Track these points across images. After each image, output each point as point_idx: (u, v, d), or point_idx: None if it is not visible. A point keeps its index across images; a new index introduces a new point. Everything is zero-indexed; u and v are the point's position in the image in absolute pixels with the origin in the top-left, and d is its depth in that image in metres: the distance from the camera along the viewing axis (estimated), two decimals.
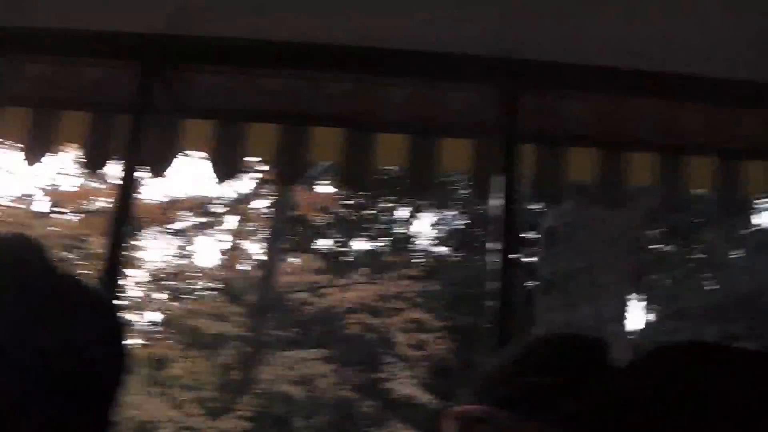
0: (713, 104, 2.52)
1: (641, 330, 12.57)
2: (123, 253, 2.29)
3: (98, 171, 2.65)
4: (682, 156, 2.61)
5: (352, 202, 14.53)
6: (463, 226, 15.00)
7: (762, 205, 9.68)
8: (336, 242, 15.63)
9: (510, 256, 2.38)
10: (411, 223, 15.72)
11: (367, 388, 13.02)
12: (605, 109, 2.53)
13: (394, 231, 15.59)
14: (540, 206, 8.19)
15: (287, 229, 14.40)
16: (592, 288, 6.13)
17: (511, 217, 2.40)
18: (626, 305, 6.42)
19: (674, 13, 2.22)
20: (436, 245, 15.68)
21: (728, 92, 2.46)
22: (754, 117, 2.56)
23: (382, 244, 15.54)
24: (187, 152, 2.62)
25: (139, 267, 12.49)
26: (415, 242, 15.87)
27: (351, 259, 15.43)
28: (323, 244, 15.46)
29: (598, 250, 6.17)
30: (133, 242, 10.09)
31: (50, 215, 11.82)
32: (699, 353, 0.80)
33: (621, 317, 6.24)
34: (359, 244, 15.82)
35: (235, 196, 13.86)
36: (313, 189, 12.79)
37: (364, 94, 2.52)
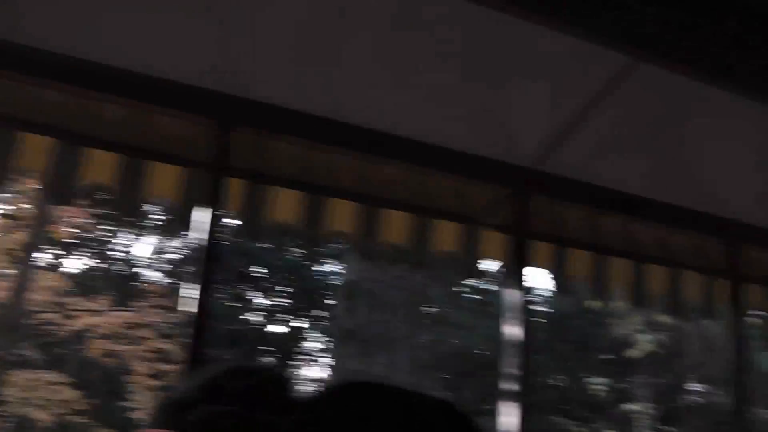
0: (411, 163, 2.73)
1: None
2: None
3: None
4: (379, 209, 2.84)
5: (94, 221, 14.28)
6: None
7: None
8: (84, 264, 15.25)
9: (211, 285, 2.45)
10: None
11: (106, 415, 12.69)
12: (312, 156, 2.67)
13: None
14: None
15: (38, 247, 13.81)
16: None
17: (214, 249, 2.47)
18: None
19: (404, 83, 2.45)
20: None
21: (428, 155, 2.70)
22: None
23: (122, 267, 15.35)
24: None
25: None
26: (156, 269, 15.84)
27: (100, 282, 15.07)
28: (73, 264, 14.99)
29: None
30: None
31: None
32: (361, 391, 0.85)
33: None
34: (105, 267, 15.53)
35: None
36: (67, 207, 12.38)
37: (76, 104, 2.51)
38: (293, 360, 18.21)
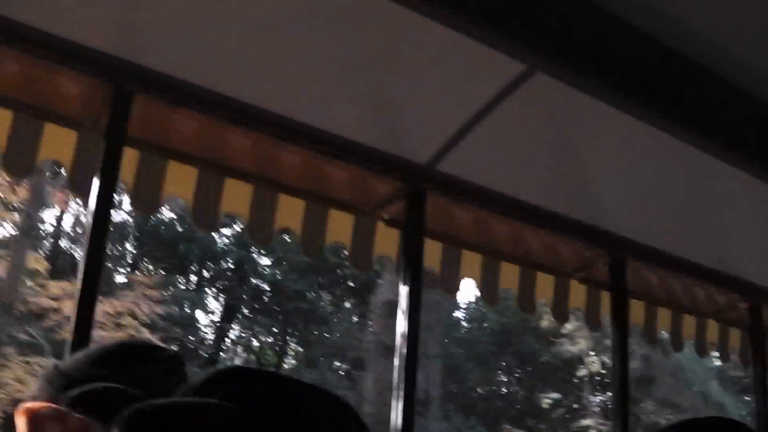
0: (309, 149, 2.76)
1: None
2: None
3: None
4: (275, 192, 2.86)
5: None
6: None
7: None
8: None
9: (96, 256, 2.41)
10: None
11: None
12: (209, 133, 2.67)
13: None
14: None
15: None
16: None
17: (104, 220, 2.43)
18: None
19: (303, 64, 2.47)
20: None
21: (324, 143, 2.73)
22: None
23: None
24: None
25: None
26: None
27: None
28: None
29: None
30: None
31: None
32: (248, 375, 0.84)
33: None
34: None
35: None
36: None
37: None
38: None
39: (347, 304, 24.95)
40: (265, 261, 23.58)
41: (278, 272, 22.88)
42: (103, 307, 13.83)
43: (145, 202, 2.74)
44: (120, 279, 20.16)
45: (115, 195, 2.46)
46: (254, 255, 23.13)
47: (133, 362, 1.24)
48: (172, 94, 2.53)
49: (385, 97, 2.65)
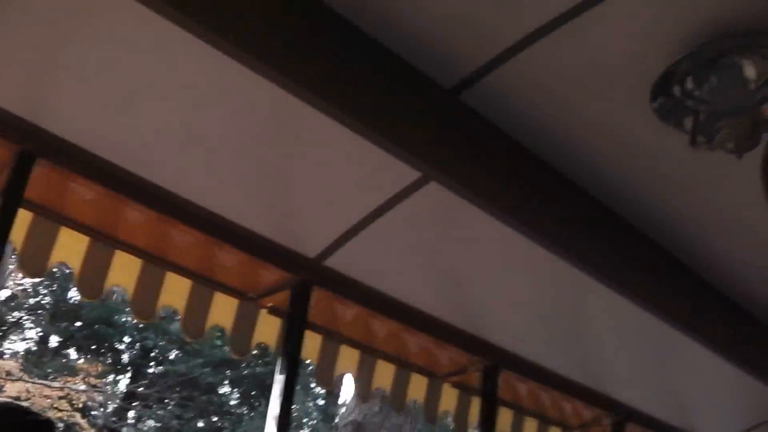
0: (200, 231, 2.82)
1: None
2: None
3: None
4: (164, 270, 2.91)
5: None
6: None
7: None
8: None
9: None
10: None
11: None
12: (104, 203, 2.71)
13: None
14: None
15: None
16: None
17: None
18: None
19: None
20: None
21: (216, 226, 2.80)
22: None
23: None
24: None
25: None
26: None
27: None
28: None
29: None
30: None
31: None
32: None
33: None
34: None
35: None
36: None
37: None
38: None
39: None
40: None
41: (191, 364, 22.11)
42: None
43: (33, 265, 2.73)
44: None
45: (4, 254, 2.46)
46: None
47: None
48: (73, 162, 2.57)
49: (282, 190, 2.75)
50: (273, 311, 3.13)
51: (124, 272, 2.86)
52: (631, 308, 3.26)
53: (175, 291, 3.00)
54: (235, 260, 2.96)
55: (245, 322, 3.13)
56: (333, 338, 3.32)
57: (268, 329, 3.19)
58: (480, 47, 2.44)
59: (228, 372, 22.63)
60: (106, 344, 21.99)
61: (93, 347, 21.55)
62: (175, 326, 18.39)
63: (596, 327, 3.59)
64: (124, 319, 20.59)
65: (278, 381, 2.98)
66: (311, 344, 3.27)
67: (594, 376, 4.09)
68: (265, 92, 2.23)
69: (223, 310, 3.10)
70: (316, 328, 3.24)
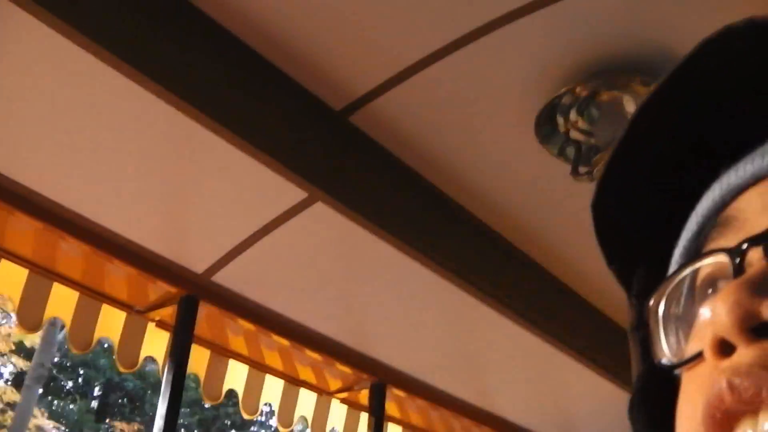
0: (87, 243, 2.82)
1: None
2: None
3: None
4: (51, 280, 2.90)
5: None
6: None
7: None
8: None
9: None
10: None
11: None
12: None
13: None
14: None
15: None
16: None
17: None
18: None
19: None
20: None
21: (104, 239, 2.81)
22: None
23: None
24: None
25: None
26: None
27: None
28: None
29: None
30: None
31: None
32: None
33: None
34: None
35: None
36: None
37: None
38: None
39: None
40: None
41: None
42: None
43: None
44: None
45: None
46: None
47: None
48: None
49: (170, 204, 2.77)
50: (161, 325, 3.15)
51: (9, 282, 2.84)
52: (515, 330, 3.38)
53: (62, 302, 2.99)
54: (124, 273, 2.97)
55: (132, 336, 3.13)
56: (221, 353, 3.35)
57: (156, 343, 3.20)
58: (371, 71, 2.52)
59: None
60: None
61: None
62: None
63: (482, 347, 3.69)
64: None
65: (164, 395, 2.99)
66: (199, 359, 3.30)
67: (483, 396, 4.20)
68: (157, 109, 2.26)
69: (110, 323, 3.10)
70: (204, 343, 3.27)
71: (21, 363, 17.91)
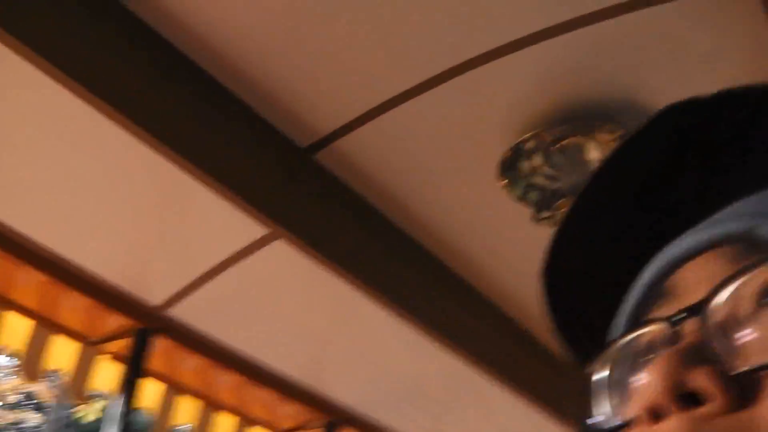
0: (42, 271, 2.77)
1: None
2: None
3: None
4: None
5: None
6: None
7: None
8: None
9: None
10: None
11: None
12: None
13: None
14: None
15: None
16: None
17: None
18: None
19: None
20: None
21: (60, 269, 2.76)
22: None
23: None
24: None
25: None
26: None
27: None
28: None
29: None
30: None
31: None
32: None
33: None
34: None
35: None
36: None
37: None
38: None
39: None
40: None
41: None
42: None
43: None
44: None
45: None
46: None
47: None
48: None
49: (128, 236, 2.74)
50: (115, 357, 3.09)
51: None
52: (471, 373, 3.38)
53: (15, 333, 2.93)
54: (78, 304, 2.92)
55: (84, 368, 3.07)
56: (174, 388, 3.30)
57: (108, 376, 3.15)
58: (337, 110, 2.53)
59: None
60: None
61: None
62: None
63: (436, 388, 3.69)
64: None
65: (115, 429, 2.94)
66: (152, 393, 3.24)
67: None
68: (118, 138, 2.24)
69: (63, 354, 3.04)
70: (157, 377, 3.22)
71: None
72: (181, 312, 2.99)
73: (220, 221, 2.64)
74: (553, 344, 3.53)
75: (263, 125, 2.54)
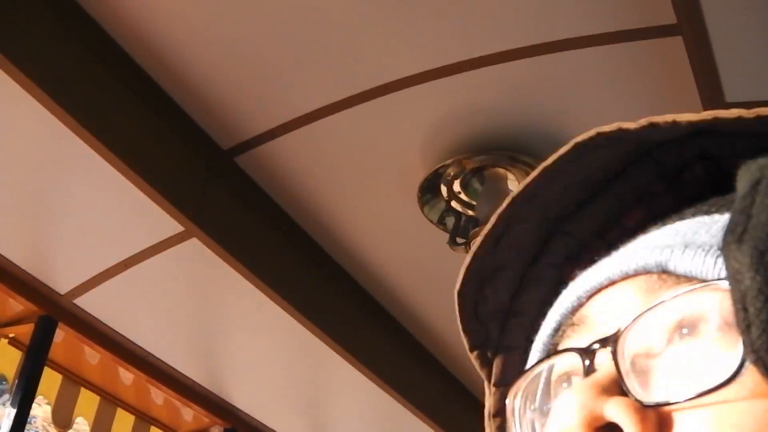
0: None
1: None
2: None
3: None
4: None
5: None
6: None
7: None
8: None
9: None
10: None
11: None
12: None
13: None
14: None
15: None
16: None
17: None
18: None
19: None
20: None
21: None
22: None
23: None
24: None
25: None
26: None
27: None
28: None
29: None
30: None
31: None
32: None
33: None
34: None
35: None
36: None
37: None
38: None
39: None
40: None
41: None
42: None
43: None
44: None
45: None
46: None
47: None
48: None
49: (39, 219, 2.70)
50: (14, 343, 3.04)
51: None
52: (372, 387, 3.40)
53: None
54: None
55: None
56: (74, 380, 3.26)
57: (7, 360, 3.09)
58: (262, 115, 2.56)
59: None
60: None
61: None
62: None
63: (338, 401, 3.70)
64: None
65: (8, 416, 2.88)
66: (51, 383, 3.19)
67: None
68: (35, 116, 2.20)
69: None
70: (57, 368, 3.17)
71: None
72: (88, 302, 2.95)
73: (136, 214, 2.63)
74: (457, 368, 3.59)
75: (189, 124, 2.55)
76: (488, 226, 0.63)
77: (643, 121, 0.56)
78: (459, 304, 0.65)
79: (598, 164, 0.62)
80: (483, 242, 0.64)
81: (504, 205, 0.63)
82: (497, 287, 0.65)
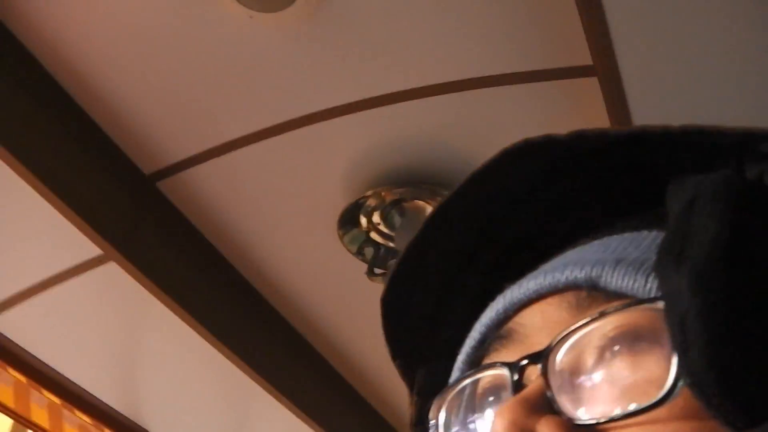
0: None
1: None
2: None
3: None
4: None
5: None
6: None
7: None
8: None
9: None
10: None
11: None
12: None
13: None
14: None
15: None
16: None
17: None
18: None
19: None
20: None
21: None
22: None
23: None
24: None
25: None
26: None
27: None
28: None
29: None
30: None
31: None
32: None
33: None
34: None
35: None
36: None
37: None
38: None
39: None
40: None
41: None
42: None
43: None
44: None
45: None
46: None
47: None
48: None
49: None
50: None
51: None
52: (293, 420, 3.40)
53: None
54: None
55: None
56: None
57: None
58: (186, 141, 2.55)
59: None
60: None
61: None
62: None
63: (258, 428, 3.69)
64: None
65: None
66: None
67: None
68: None
69: None
70: None
71: None
72: (2, 324, 2.91)
73: (53, 235, 2.60)
74: (377, 400, 3.60)
75: (111, 147, 2.54)
76: (416, 233, 0.64)
77: (572, 132, 0.58)
78: (383, 312, 0.67)
79: (526, 173, 0.62)
80: (409, 249, 0.65)
81: (433, 210, 0.64)
82: (422, 296, 0.66)
